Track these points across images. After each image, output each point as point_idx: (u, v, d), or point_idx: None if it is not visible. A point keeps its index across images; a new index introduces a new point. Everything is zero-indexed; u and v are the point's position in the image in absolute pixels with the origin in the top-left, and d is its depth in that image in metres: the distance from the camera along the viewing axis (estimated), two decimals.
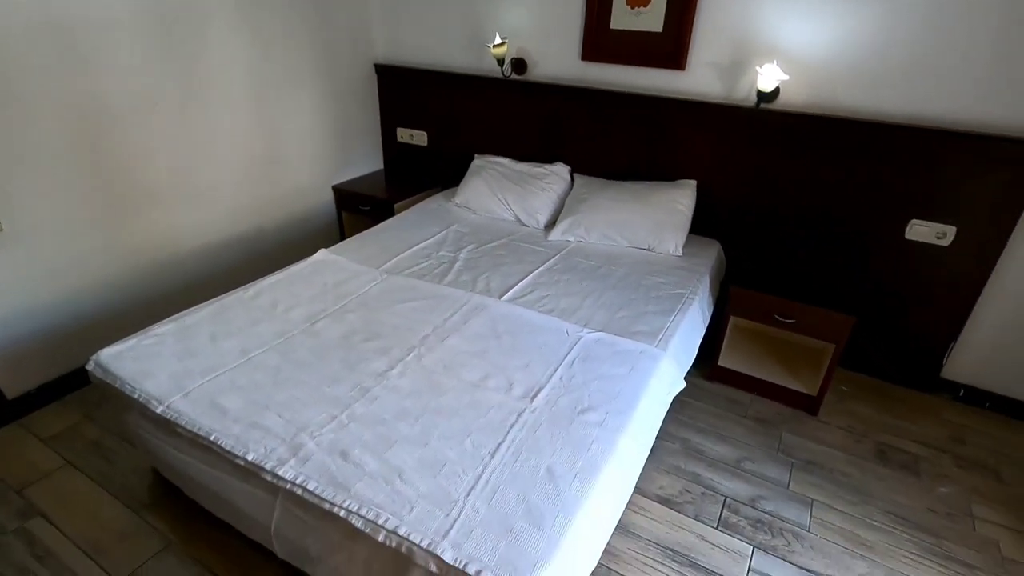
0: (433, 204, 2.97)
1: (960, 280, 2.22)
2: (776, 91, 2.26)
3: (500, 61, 2.80)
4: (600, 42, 2.60)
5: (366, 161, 3.40)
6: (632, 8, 2.47)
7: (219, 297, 1.98)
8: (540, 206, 2.75)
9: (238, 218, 2.71)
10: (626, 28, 2.52)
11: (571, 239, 2.60)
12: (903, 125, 2.12)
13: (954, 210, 2.14)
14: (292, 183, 2.94)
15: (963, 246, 2.17)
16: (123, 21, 2.04)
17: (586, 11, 2.57)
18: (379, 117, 3.39)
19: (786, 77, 2.15)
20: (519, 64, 2.82)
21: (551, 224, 2.73)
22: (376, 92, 3.31)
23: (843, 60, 2.16)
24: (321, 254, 2.35)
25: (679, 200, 2.52)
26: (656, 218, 2.49)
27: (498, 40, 2.70)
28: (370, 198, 3.10)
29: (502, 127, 3.01)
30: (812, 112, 2.26)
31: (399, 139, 3.39)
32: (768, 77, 2.17)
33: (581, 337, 1.85)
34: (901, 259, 2.29)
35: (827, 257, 2.43)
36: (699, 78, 2.46)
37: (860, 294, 2.39)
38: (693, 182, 2.58)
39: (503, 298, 2.08)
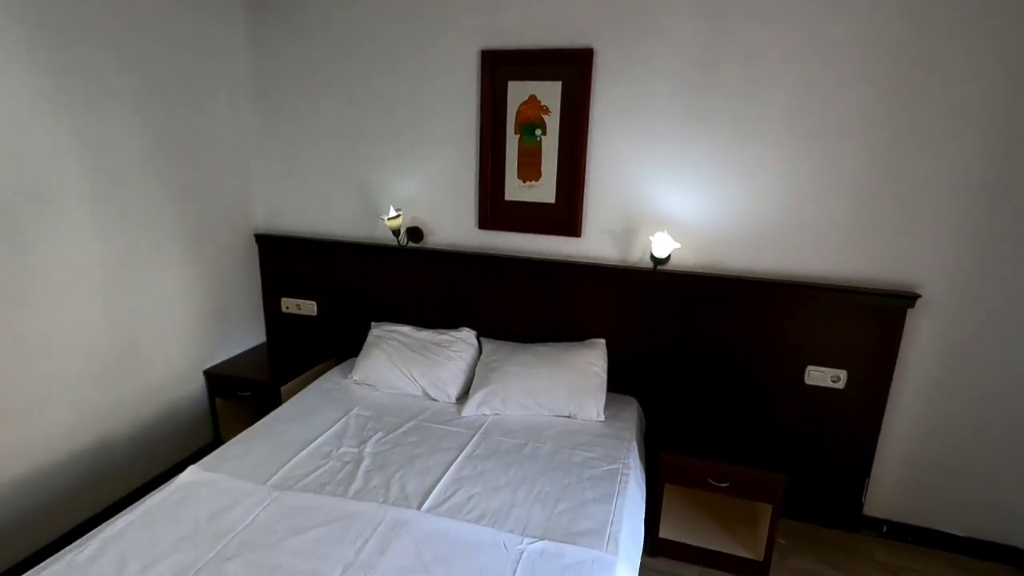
0: (328, 383, 2.66)
1: (859, 419, 2.34)
2: (668, 255, 2.39)
3: (396, 232, 2.73)
4: (496, 212, 2.65)
5: (245, 337, 3.04)
6: (525, 182, 2.58)
7: (40, 568, 1.47)
8: (449, 377, 2.56)
9: (78, 431, 2.18)
10: (521, 200, 2.60)
11: (487, 412, 2.41)
12: (781, 281, 2.31)
13: (841, 355, 2.30)
14: (153, 376, 2.49)
15: (856, 388, 2.31)
16: None
17: (480, 184, 2.63)
18: (260, 288, 3.11)
19: (678, 245, 2.28)
20: (415, 232, 2.78)
21: (463, 396, 2.53)
22: (257, 262, 3.06)
23: (722, 227, 2.36)
24: (191, 473, 1.91)
25: (592, 361, 2.48)
26: (573, 382, 2.41)
27: (392, 212, 2.65)
28: (250, 382, 2.72)
29: (400, 294, 2.87)
30: (702, 272, 2.41)
31: (284, 310, 3.10)
32: (661, 244, 2.30)
33: (523, 551, 1.59)
34: (805, 404, 2.39)
35: (736, 406, 2.47)
36: (595, 243, 2.56)
37: (772, 440, 2.41)
38: (602, 341, 2.58)
39: (424, 507, 1.78)
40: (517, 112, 2.51)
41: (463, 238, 2.75)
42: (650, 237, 2.35)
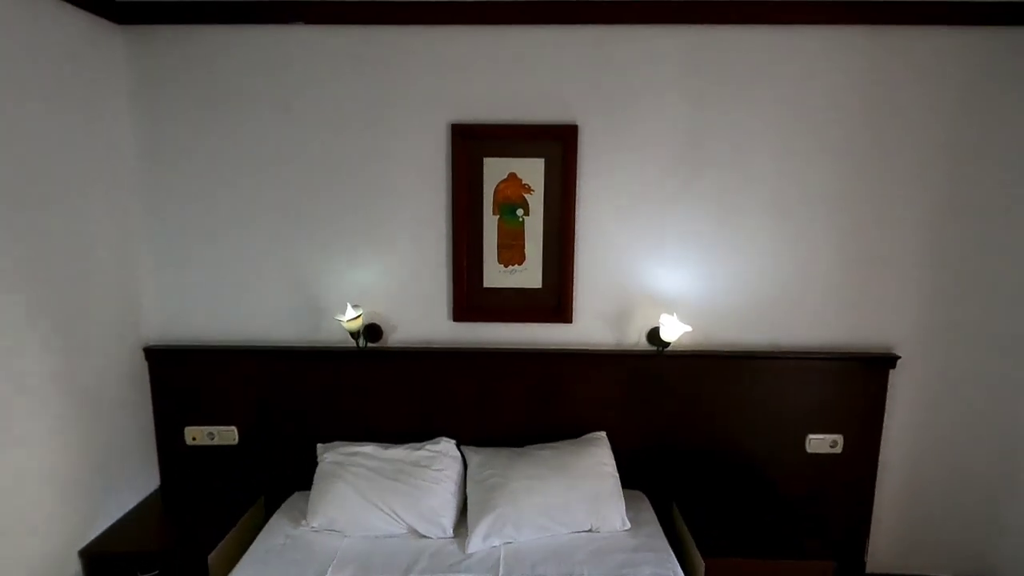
0: (276, 537, 2.05)
1: (856, 480, 2.38)
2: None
3: (355, 334, 2.26)
4: (473, 302, 2.33)
5: (135, 487, 2.26)
6: (506, 267, 2.31)
7: None
8: (440, 505, 2.11)
9: None
10: (502, 286, 2.32)
11: (497, 543, 2.02)
12: (775, 353, 2.31)
13: (836, 420, 2.34)
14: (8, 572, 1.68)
15: (852, 450, 2.36)
16: None
17: (454, 271, 2.30)
18: (153, 417, 2.36)
19: (688, 328, 2.17)
20: (372, 331, 2.32)
21: (460, 526, 2.10)
22: (147, 384, 2.33)
23: (715, 303, 2.31)
24: None
25: (603, 461, 2.22)
26: (588, 490, 2.12)
27: (352, 312, 2.19)
28: (154, 556, 1.97)
29: (356, 405, 2.37)
30: (700, 351, 2.32)
31: (190, 442, 2.38)
32: (670, 328, 2.17)
33: None
34: (809, 473, 2.37)
35: (744, 486, 2.38)
36: (588, 328, 2.35)
37: (783, 516, 2.35)
38: (603, 434, 2.34)
39: None
40: (496, 191, 2.26)
41: (434, 333, 2.36)
42: (659, 320, 2.22)
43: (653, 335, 2.31)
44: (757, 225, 2.26)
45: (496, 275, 2.31)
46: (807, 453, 2.36)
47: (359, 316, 2.22)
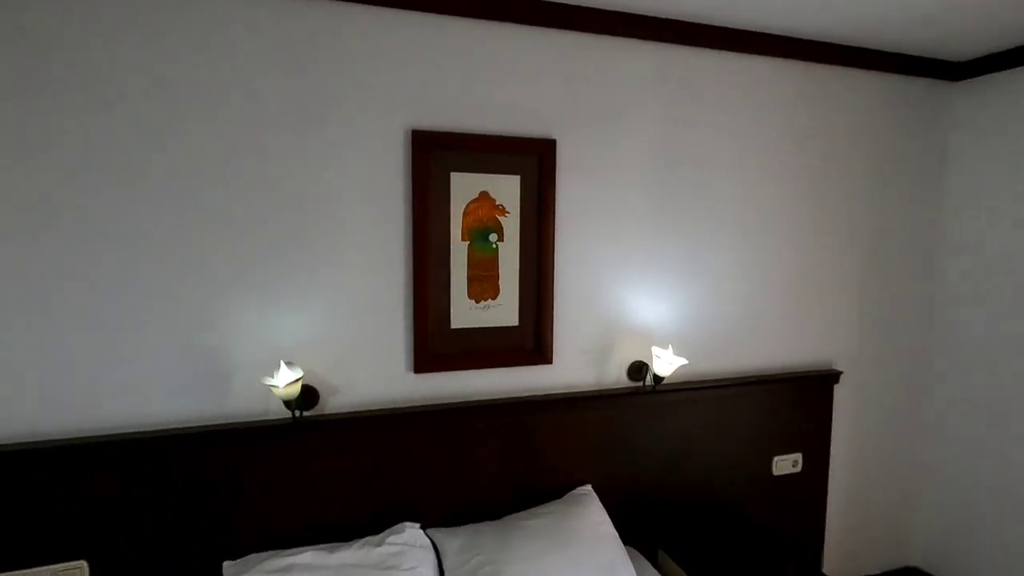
0: None
1: (812, 495, 2.45)
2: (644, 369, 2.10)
3: (290, 403, 1.66)
4: (438, 347, 1.90)
5: None
6: (478, 302, 1.93)
7: None
8: None
9: None
10: (473, 326, 1.93)
11: None
12: (744, 379, 2.29)
13: (796, 439, 2.39)
14: None
15: (809, 467, 2.42)
16: None
17: (415, 312, 1.85)
18: None
19: (684, 361, 2.02)
20: (306, 395, 1.75)
21: None
22: None
23: (689, 331, 2.21)
24: None
25: (599, 520, 1.93)
26: (597, 560, 1.81)
27: (289, 375, 1.61)
28: None
29: (286, 497, 1.74)
30: (677, 383, 2.19)
31: None
32: (665, 362, 1.99)
33: None
34: (776, 495, 2.37)
35: (724, 519, 2.29)
36: (569, 368, 2.07)
37: (762, 545, 2.32)
38: (589, 488, 2.06)
39: None
40: (465, 212, 1.89)
41: (389, 391, 1.87)
42: (641, 354, 2.04)
43: (633, 370, 2.13)
44: (722, 251, 2.23)
45: (466, 313, 1.92)
46: (773, 476, 2.37)
47: (299, 379, 1.64)
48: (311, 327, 1.77)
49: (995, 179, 2.39)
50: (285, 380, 1.59)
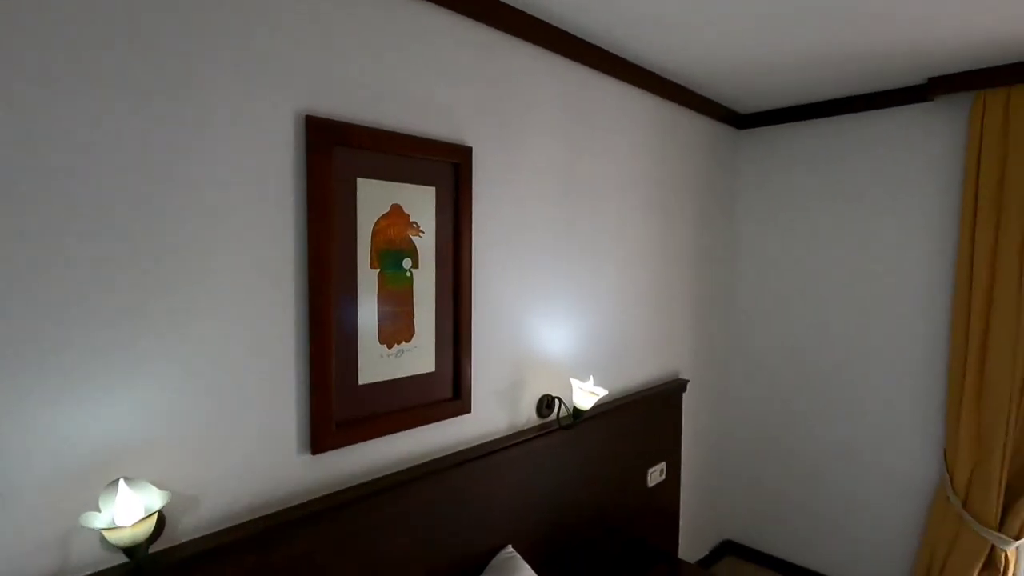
0: None
1: (669, 497, 2.63)
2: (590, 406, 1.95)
3: (130, 550, 0.98)
4: (344, 413, 1.39)
5: None
6: (390, 348, 1.49)
7: None
8: None
9: None
10: (385, 378, 1.48)
11: None
12: (623, 400, 2.32)
13: (661, 449, 2.52)
14: None
15: (670, 473, 2.58)
16: None
17: (312, 370, 1.32)
18: None
19: (605, 391, 1.90)
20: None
21: None
22: None
23: (585, 355, 2.13)
24: None
25: None
26: None
27: (138, 504, 0.95)
28: None
29: None
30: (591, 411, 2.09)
31: None
32: (585, 395, 1.85)
33: None
34: (652, 506, 2.46)
35: (622, 543, 2.27)
36: (486, 415, 1.76)
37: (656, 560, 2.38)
38: (511, 550, 1.79)
39: None
40: (375, 230, 1.44)
41: (277, 485, 1.29)
42: (580, 387, 1.86)
43: (543, 405, 1.95)
44: (607, 276, 2.22)
45: (377, 363, 1.46)
46: (648, 488, 2.45)
47: (153, 515, 0.98)
48: (150, 411, 1.10)
49: (765, 211, 2.97)
50: (132, 515, 0.93)
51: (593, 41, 1.96)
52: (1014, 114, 2.16)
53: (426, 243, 1.56)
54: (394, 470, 1.52)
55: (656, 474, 2.49)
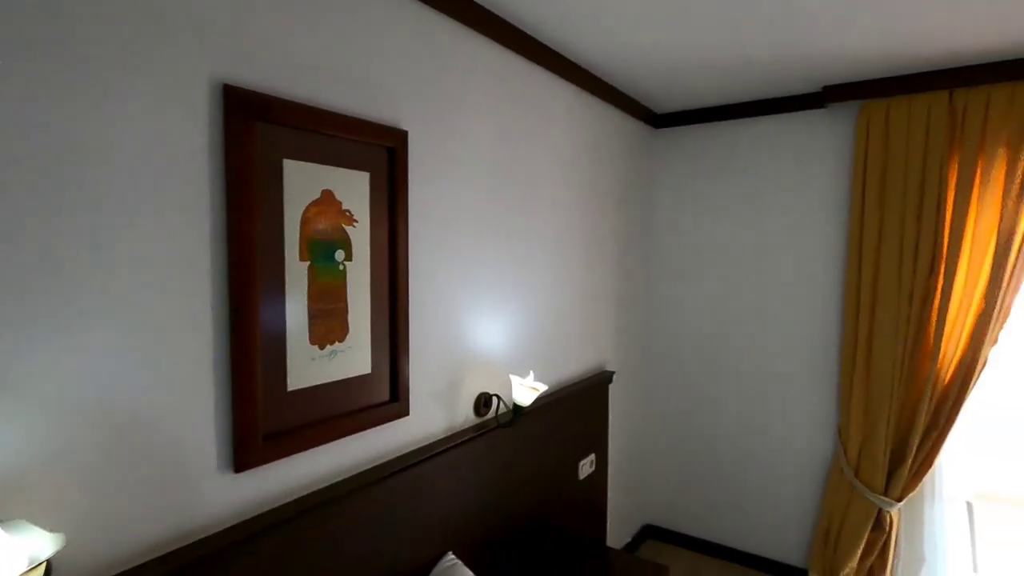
0: None
1: (597, 484, 2.67)
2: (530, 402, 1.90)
3: None
4: (272, 424, 1.24)
5: None
6: (322, 348, 1.34)
7: None
8: None
9: None
10: (318, 383, 1.34)
11: None
12: (554, 394, 2.31)
13: (590, 440, 2.55)
14: None
15: (599, 463, 2.62)
16: None
17: (235, 376, 1.15)
18: None
19: (545, 387, 1.86)
20: None
21: None
22: None
23: (519, 350, 2.09)
24: None
25: None
26: None
27: (13, 562, 0.75)
28: None
29: None
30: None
31: None
32: (524, 391, 1.81)
33: None
34: (584, 498, 2.48)
35: (558, 537, 2.26)
36: (425, 418, 1.66)
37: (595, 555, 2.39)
38: (452, 558, 1.71)
39: None
40: (304, 218, 1.29)
41: (192, 515, 1.11)
42: (520, 382, 1.81)
43: (480, 404, 1.88)
44: (540, 268, 2.20)
45: (308, 366, 1.31)
46: (579, 480, 2.47)
47: (40, 565, 0.79)
48: (29, 439, 0.90)
49: (678, 208, 3.11)
50: (13, 567, 0.74)
51: (528, 31, 1.92)
52: (893, 124, 2.42)
53: (360, 233, 1.43)
54: (330, 482, 1.38)
55: (587, 466, 2.51)
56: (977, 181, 2.27)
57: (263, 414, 1.21)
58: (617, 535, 2.98)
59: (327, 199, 1.34)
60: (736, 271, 2.95)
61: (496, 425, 1.87)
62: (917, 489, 2.45)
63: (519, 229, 2.05)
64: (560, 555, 2.30)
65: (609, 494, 2.83)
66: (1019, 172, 2.18)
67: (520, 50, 1.95)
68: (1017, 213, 2.19)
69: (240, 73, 1.15)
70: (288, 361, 1.27)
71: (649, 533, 3.29)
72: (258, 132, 1.18)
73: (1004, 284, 2.21)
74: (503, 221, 1.96)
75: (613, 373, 2.72)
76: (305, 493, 1.32)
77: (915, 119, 2.36)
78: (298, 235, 1.27)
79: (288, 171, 1.25)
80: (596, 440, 2.60)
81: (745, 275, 2.93)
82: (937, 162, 2.32)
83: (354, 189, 1.40)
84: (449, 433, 1.77)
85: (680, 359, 3.15)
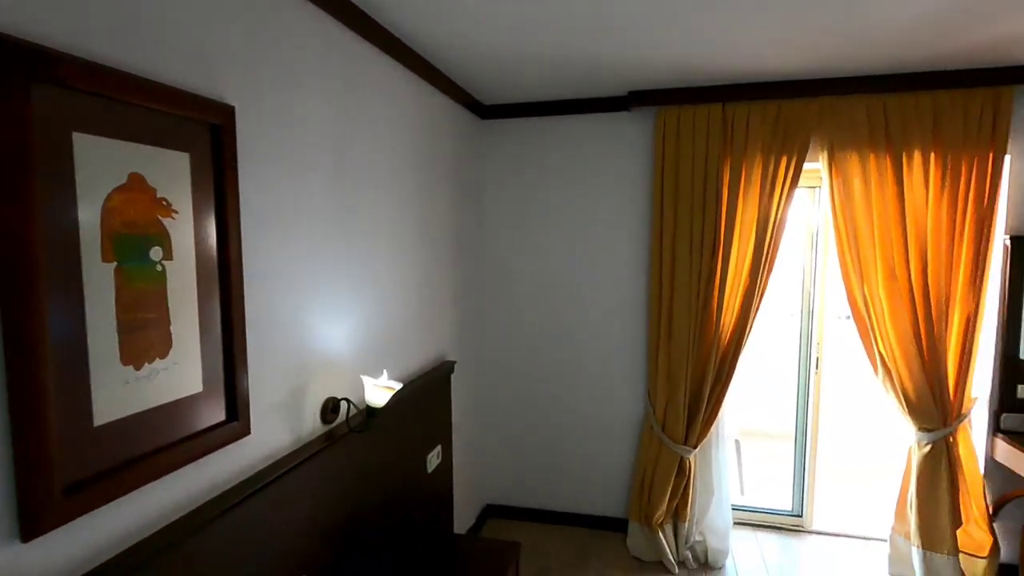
0: None
1: (446, 479, 2.68)
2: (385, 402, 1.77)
3: None
4: (75, 471, 0.97)
5: None
6: (138, 368, 1.09)
7: None
8: None
9: None
10: (135, 411, 1.09)
11: None
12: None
13: (435, 432, 2.53)
14: None
15: (445, 453, 2.62)
16: None
17: (15, 419, 0.88)
18: None
19: (399, 386, 1.76)
20: None
21: None
22: None
23: (365, 345, 1.98)
24: None
25: None
26: None
27: None
28: None
29: None
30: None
31: None
32: (378, 391, 1.71)
33: None
34: (432, 490, 2.46)
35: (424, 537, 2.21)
36: (269, 434, 1.47)
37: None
38: None
39: None
40: (107, 208, 1.02)
41: None
42: (373, 383, 1.69)
43: (327, 410, 1.74)
44: (383, 261, 2.09)
45: (120, 391, 1.06)
46: (428, 474, 2.44)
47: None
48: None
49: (505, 198, 3.23)
50: None
51: (363, 8, 1.78)
52: (682, 129, 2.82)
53: (182, 227, 1.19)
54: (159, 527, 1.14)
55: (434, 458, 2.50)
56: (743, 180, 2.77)
57: (61, 459, 0.95)
58: (462, 520, 3.03)
59: (136, 184, 1.09)
60: (559, 259, 3.18)
61: (347, 431, 1.74)
62: (708, 435, 2.95)
63: (361, 220, 1.93)
64: (412, 550, 2.25)
65: (454, 482, 2.85)
66: (770, 174, 2.73)
67: (360, 30, 1.81)
68: (770, 207, 2.74)
69: (4, 16, 0.86)
70: (93, 389, 1.01)
71: (490, 512, 3.41)
72: (33, 95, 0.90)
73: (762, 264, 2.76)
74: (344, 211, 1.82)
75: (454, 363, 2.73)
76: (124, 549, 1.07)
77: (698, 126, 2.79)
78: (99, 229, 1.01)
79: (80, 148, 0.98)
80: (442, 431, 2.60)
81: (566, 262, 3.17)
82: (715, 163, 2.78)
83: (171, 174, 1.16)
84: (297, 447, 1.60)
85: (511, 347, 3.29)
